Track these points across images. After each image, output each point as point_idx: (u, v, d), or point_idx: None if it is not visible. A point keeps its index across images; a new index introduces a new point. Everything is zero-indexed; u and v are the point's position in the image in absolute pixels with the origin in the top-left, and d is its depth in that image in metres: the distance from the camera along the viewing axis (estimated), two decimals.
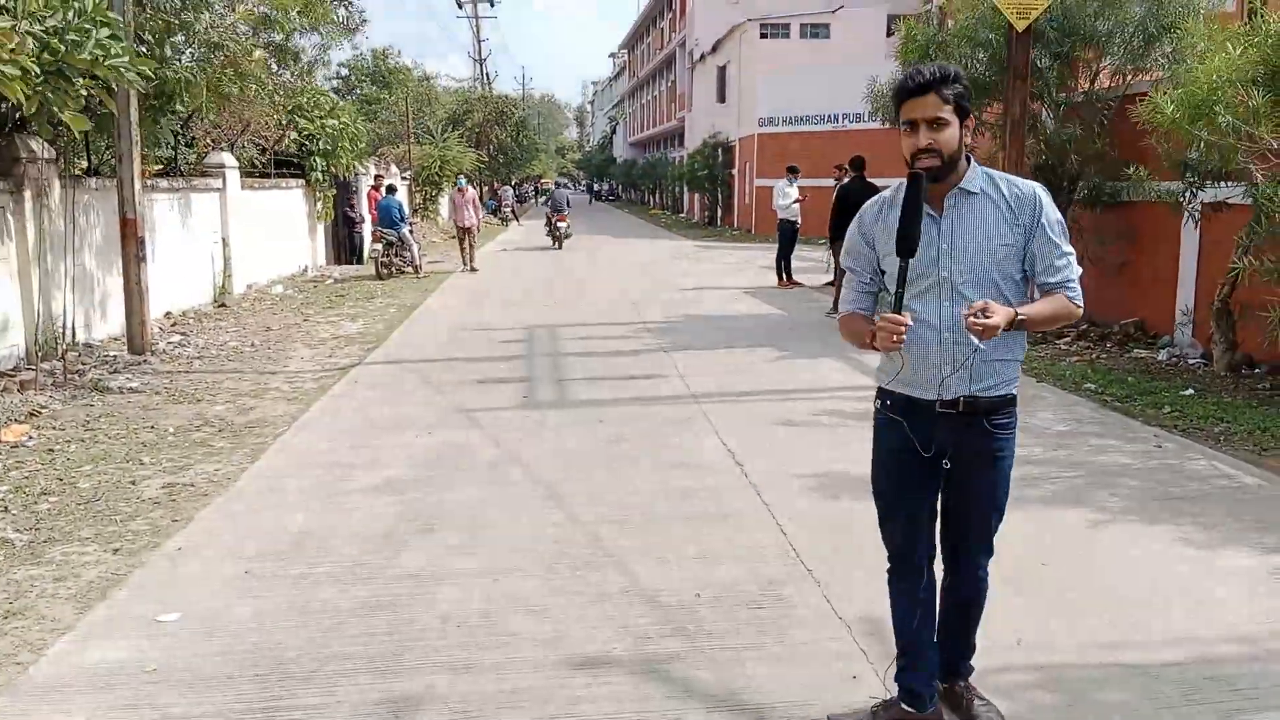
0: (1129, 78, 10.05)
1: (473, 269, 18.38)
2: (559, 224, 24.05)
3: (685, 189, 42.11)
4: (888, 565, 3.01)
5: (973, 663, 3.11)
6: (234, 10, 12.37)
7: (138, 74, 8.04)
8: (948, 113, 2.64)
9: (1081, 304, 2.80)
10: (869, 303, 2.92)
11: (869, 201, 2.94)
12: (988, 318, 2.52)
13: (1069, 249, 2.77)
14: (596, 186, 77.30)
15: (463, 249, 18.87)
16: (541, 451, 6.19)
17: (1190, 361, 8.83)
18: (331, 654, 3.54)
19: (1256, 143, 6.89)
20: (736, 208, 34.22)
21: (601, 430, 6.71)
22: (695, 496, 5.29)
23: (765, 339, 10.44)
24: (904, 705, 2.95)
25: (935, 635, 2.99)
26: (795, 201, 15.86)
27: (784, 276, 15.81)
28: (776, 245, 16.16)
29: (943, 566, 2.99)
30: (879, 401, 2.94)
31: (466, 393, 7.93)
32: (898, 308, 2.64)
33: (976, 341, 2.64)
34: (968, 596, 3.00)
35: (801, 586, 4.09)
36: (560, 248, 23.85)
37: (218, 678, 3.38)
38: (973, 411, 2.75)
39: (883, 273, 2.85)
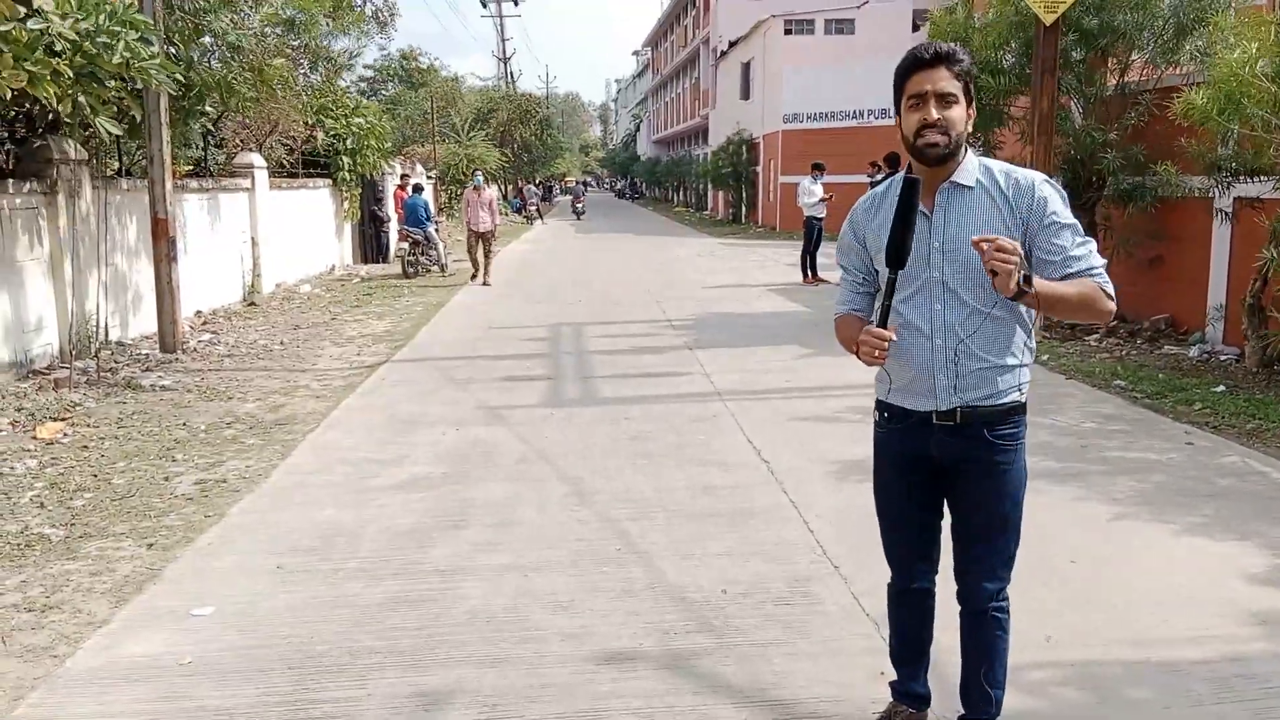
0: (1160, 72, 9.94)
1: (485, 282, 15.84)
2: (578, 205, 41.42)
3: (709, 186, 42.08)
4: (889, 581, 2.89)
5: (1005, 689, 2.80)
6: (258, 11, 12.49)
7: (168, 76, 8.15)
8: (958, 90, 2.44)
9: (1113, 296, 2.53)
10: (865, 303, 2.73)
11: (862, 197, 2.77)
12: (1005, 250, 2.28)
13: (1084, 240, 2.51)
14: (619, 185, 77.39)
15: (474, 257, 16.21)
16: (567, 448, 6.21)
17: (1222, 358, 8.73)
18: (362, 648, 3.58)
19: None
20: (761, 205, 34.14)
21: (627, 427, 6.73)
22: (721, 493, 5.30)
23: (790, 336, 10.41)
24: (909, 708, 2.93)
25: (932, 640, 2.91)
26: (821, 200, 15.80)
27: (809, 274, 15.76)
28: (802, 243, 16.12)
29: (956, 595, 2.78)
30: (877, 414, 2.76)
31: (493, 390, 7.97)
32: (883, 321, 2.45)
33: (970, 344, 2.50)
34: (981, 633, 2.72)
35: (829, 583, 4.09)
36: (580, 219, 38.73)
37: (251, 671, 3.43)
38: (971, 422, 2.56)
39: (875, 272, 2.68)
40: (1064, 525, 4.70)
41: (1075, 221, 2.55)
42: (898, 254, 2.43)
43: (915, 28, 29.49)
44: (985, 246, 2.32)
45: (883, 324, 2.45)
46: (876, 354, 2.42)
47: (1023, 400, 2.63)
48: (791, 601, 3.93)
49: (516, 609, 3.89)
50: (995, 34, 10.36)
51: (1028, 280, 2.35)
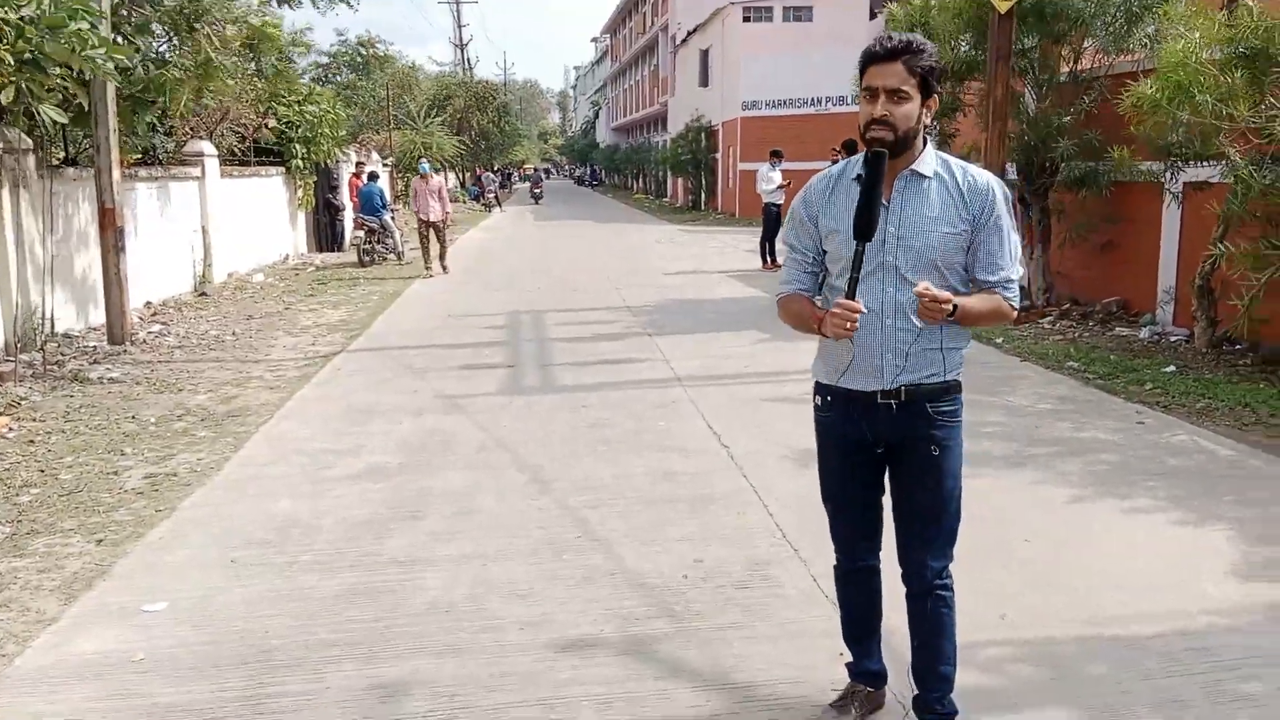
0: (1112, 59, 10.06)
1: (444, 267, 15.68)
2: (536, 190, 44.49)
3: (669, 173, 42.03)
4: (835, 563, 2.94)
5: (956, 665, 2.83)
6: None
7: (115, 65, 7.94)
8: (911, 86, 2.49)
9: (1017, 306, 2.68)
10: (811, 283, 2.76)
11: (816, 176, 2.78)
12: (937, 301, 2.46)
13: (1015, 250, 2.65)
14: (579, 172, 77.16)
15: (425, 247, 15.75)
16: (527, 436, 6.18)
17: (1172, 339, 8.89)
18: (318, 641, 3.53)
19: (1235, 122, 6.93)
20: (720, 192, 34.19)
21: (587, 414, 6.70)
22: (681, 479, 5.29)
23: (749, 322, 10.44)
24: (866, 687, 2.98)
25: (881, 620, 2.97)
26: (780, 187, 15.85)
27: (769, 260, 15.82)
28: (761, 229, 16.16)
29: (901, 577, 2.81)
30: (818, 398, 2.79)
31: (451, 379, 7.90)
32: (851, 294, 2.49)
33: (916, 322, 2.56)
34: (929, 612, 2.76)
35: (788, 566, 4.11)
36: (538, 204, 41.70)
37: (204, 666, 3.36)
38: (914, 399, 2.62)
39: (824, 253, 2.71)
40: (1019, 506, 4.76)
41: (1012, 232, 2.65)
42: (866, 226, 2.48)
43: (872, 15, 29.59)
44: (925, 300, 2.47)
45: (850, 296, 2.49)
46: (848, 325, 2.46)
47: (959, 379, 2.70)
48: (751, 585, 3.94)
49: (475, 598, 3.86)
50: (950, 21, 10.41)
51: (954, 320, 2.55)
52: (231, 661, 3.39)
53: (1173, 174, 8.59)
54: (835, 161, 13.87)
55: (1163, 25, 9.35)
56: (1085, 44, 10.26)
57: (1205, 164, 7.98)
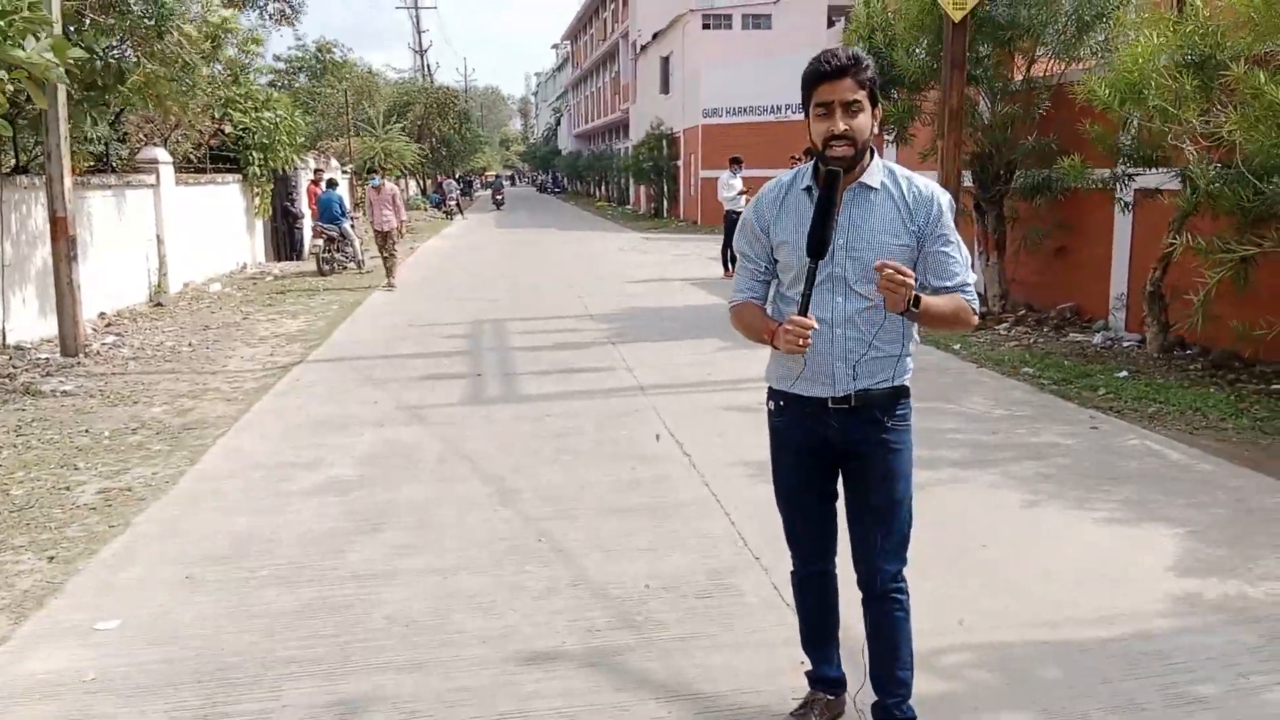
0: (1063, 66, 10.24)
1: (389, 284, 14.87)
2: (498, 196, 46.19)
3: (631, 181, 42.08)
4: (791, 569, 2.97)
5: (914, 670, 2.85)
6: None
7: (65, 68, 7.80)
8: (862, 98, 2.52)
9: (977, 311, 2.71)
10: (763, 291, 2.79)
11: (767, 185, 2.81)
12: (900, 275, 2.42)
13: (964, 257, 2.68)
14: (541, 179, 77.08)
15: (384, 256, 15.19)
16: (489, 447, 6.15)
17: (1124, 344, 9.05)
18: (276, 658, 3.48)
19: (1184, 125, 7.08)
20: (683, 199, 34.29)
21: (549, 424, 6.69)
22: (644, 488, 5.30)
23: (711, 330, 10.47)
24: (826, 694, 3.00)
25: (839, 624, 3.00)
26: (740, 194, 15.93)
27: (730, 267, 15.88)
28: (722, 236, 16.23)
29: (856, 582, 2.83)
30: (772, 403, 2.82)
31: (412, 389, 7.85)
32: (804, 309, 2.50)
33: (866, 331, 2.60)
34: (884, 616, 2.79)
35: (750, 574, 4.13)
36: (499, 210, 43.15)
37: (159, 685, 3.30)
38: (865, 405, 2.66)
39: (775, 262, 2.74)
40: (977, 510, 4.82)
41: (959, 238, 2.69)
42: (819, 244, 2.49)
43: (830, 23, 29.92)
44: (887, 272, 2.42)
45: (803, 312, 2.51)
46: (800, 341, 2.48)
47: (909, 385, 2.74)
48: (713, 594, 3.95)
49: (436, 612, 3.83)
50: (907, 30, 10.54)
51: (916, 301, 2.51)
52: (187, 680, 3.34)
53: (1124, 181, 8.76)
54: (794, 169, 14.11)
55: (1114, 33, 9.56)
56: (1038, 52, 10.43)
57: (1155, 170, 8.15)
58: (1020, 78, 10.54)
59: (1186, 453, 5.76)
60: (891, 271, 2.42)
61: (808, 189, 2.66)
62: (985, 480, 5.30)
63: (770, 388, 2.82)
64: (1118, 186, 8.86)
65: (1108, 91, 7.56)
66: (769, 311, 2.79)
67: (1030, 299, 11.04)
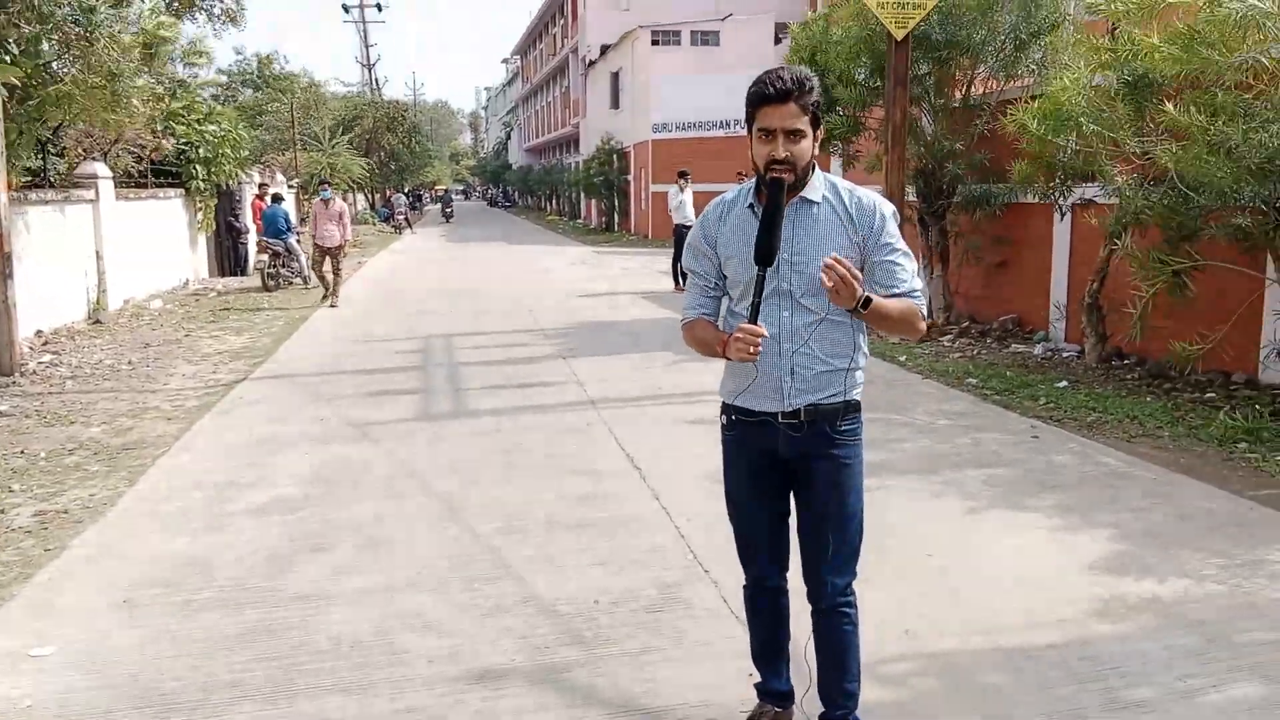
0: (1002, 84, 10.48)
1: (333, 304, 14.48)
2: (447, 210, 47.70)
3: (582, 195, 42.11)
4: (744, 583, 2.97)
5: (860, 681, 2.87)
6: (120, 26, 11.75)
7: (3, 83, 7.63)
8: (804, 123, 2.56)
9: (926, 318, 2.74)
10: (713, 307, 2.82)
11: (713, 201, 2.85)
12: (846, 273, 2.44)
13: (912, 265, 2.71)
14: (492, 193, 76.85)
15: (322, 276, 14.82)
16: (437, 464, 6.10)
17: (1064, 355, 9.25)
18: (218, 683, 3.41)
19: (1119, 147, 7.26)
20: (633, 213, 34.38)
21: (499, 439, 6.65)
22: (594, 503, 5.29)
23: (662, 343, 10.51)
24: (774, 707, 3.01)
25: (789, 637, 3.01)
26: (680, 203, 16.00)
27: (680, 281, 15.95)
28: (673, 250, 16.30)
29: (806, 594, 2.85)
30: (724, 417, 2.84)
31: (359, 406, 7.76)
32: (754, 317, 2.53)
33: (813, 347, 2.63)
34: (833, 629, 2.80)
35: (699, 588, 4.14)
36: (449, 223, 44.32)
37: (95, 713, 3.22)
38: (815, 420, 2.68)
39: (724, 277, 2.77)
40: (921, 520, 4.88)
41: (905, 246, 2.72)
42: (767, 250, 2.52)
43: (777, 40, 30.27)
44: (836, 270, 2.44)
45: (753, 321, 2.53)
46: (751, 350, 2.50)
47: (859, 399, 2.76)
48: (663, 608, 3.95)
49: (383, 632, 3.78)
50: (849, 48, 10.71)
51: (867, 302, 2.53)
52: (125, 707, 3.26)
53: (1061, 196, 8.97)
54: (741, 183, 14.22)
55: (1050, 52, 9.80)
56: (978, 70, 10.66)
57: (1090, 185, 8.35)
58: (960, 95, 10.76)
59: (1124, 460, 5.90)
60: (844, 270, 2.44)
61: (751, 205, 2.69)
62: (930, 490, 5.38)
63: (723, 402, 2.84)
64: (1055, 201, 9.07)
65: (1037, 123, 7.73)
66: (720, 328, 2.81)
67: (974, 311, 11.25)
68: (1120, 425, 6.72)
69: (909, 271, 2.69)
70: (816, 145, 2.64)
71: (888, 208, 2.71)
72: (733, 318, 2.76)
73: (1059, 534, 4.72)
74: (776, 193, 2.54)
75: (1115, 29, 8.09)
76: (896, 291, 2.66)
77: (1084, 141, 7.59)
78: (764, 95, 2.55)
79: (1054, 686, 3.30)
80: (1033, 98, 8.64)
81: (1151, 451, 6.11)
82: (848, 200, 2.67)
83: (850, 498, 2.76)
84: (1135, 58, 7.09)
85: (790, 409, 2.68)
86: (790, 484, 2.81)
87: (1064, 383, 8.00)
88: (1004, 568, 4.32)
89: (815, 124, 2.61)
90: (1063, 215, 9.25)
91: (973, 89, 10.79)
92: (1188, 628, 3.70)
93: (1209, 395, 7.38)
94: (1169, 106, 6.41)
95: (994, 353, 9.67)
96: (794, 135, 2.55)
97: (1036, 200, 9.47)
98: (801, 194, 2.65)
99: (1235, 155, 6.08)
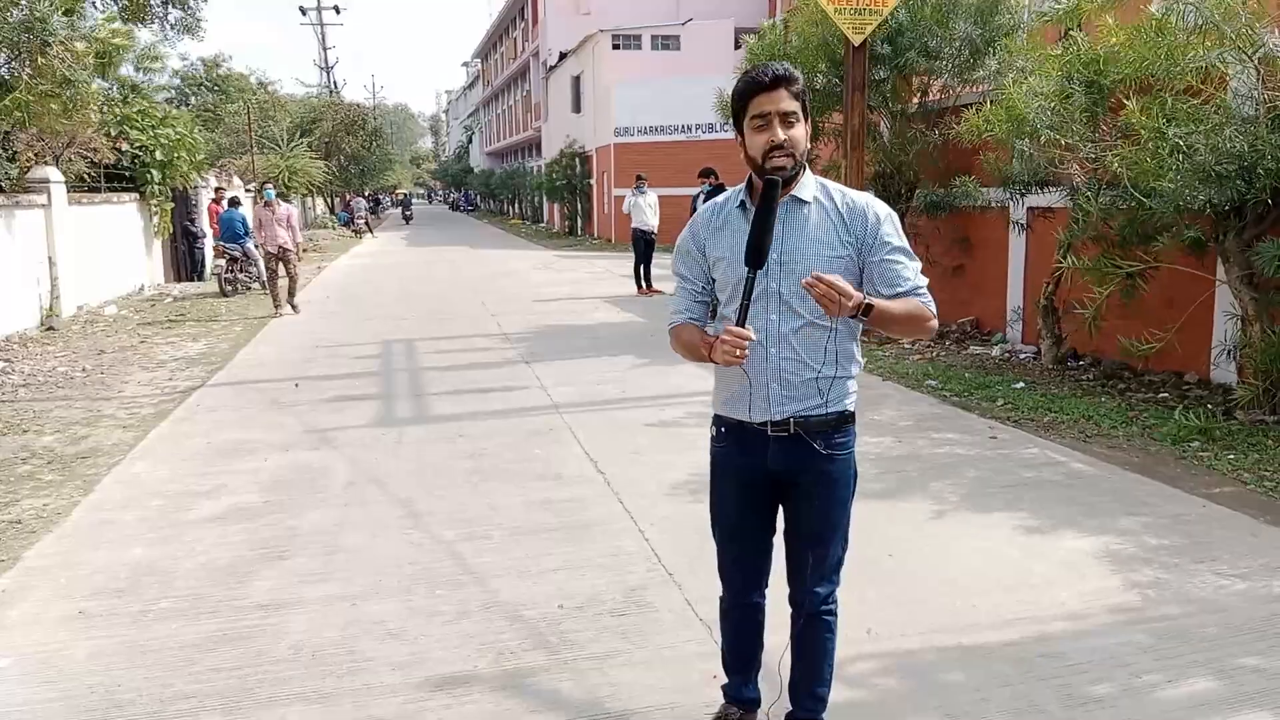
0: (958, 90, 10.62)
1: (293, 306, 14.09)
2: (406, 212, 49.54)
3: (544, 199, 42.01)
4: (720, 597, 2.94)
5: (831, 686, 2.91)
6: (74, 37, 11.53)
7: None
8: (798, 109, 2.51)
9: (935, 313, 2.61)
10: (701, 312, 2.75)
11: (703, 207, 2.78)
12: (832, 288, 2.34)
13: (913, 262, 2.62)
14: (454, 197, 76.49)
15: (275, 283, 14.02)
16: (399, 470, 6.05)
17: (1021, 356, 9.39)
18: (175, 693, 3.36)
19: (1072, 152, 7.39)
20: (596, 217, 34.37)
21: (461, 445, 6.62)
22: (557, 507, 5.28)
23: (626, 347, 10.52)
24: (740, 711, 3.01)
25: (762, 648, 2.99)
26: (636, 206, 16.03)
27: (642, 285, 15.97)
28: (634, 254, 16.31)
29: (788, 598, 2.85)
30: (714, 429, 2.79)
31: (319, 412, 7.68)
32: (742, 320, 2.46)
33: (800, 352, 2.58)
34: (812, 636, 2.81)
35: (663, 591, 4.14)
36: (408, 224, 46.43)
37: None
38: (805, 432, 2.63)
39: (712, 281, 2.72)
40: (883, 521, 4.93)
41: (905, 244, 2.64)
42: (757, 252, 2.46)
43: (738, 45, 30.39)
44: (817, 287, 2.36)
45: (741, 324, 2.46)
46: (738, 353, 2.42)
47: (852, 410, 2.71)
48: (627, 612, 3.95)
49: (345, 640, 3.74)
50: (808, 55, 10.80)
51: (868, 309, 2.44)
52: (80, 719, 3.20)
53: (1017, 199, 9.10)
54: (703, 187, 14.23)
55: (1004, 58, 9.95)
56: (935, 77, 10.78)
57: (1047, 190, 8.49)
58: (917, 101, 10.88)
59: (1081, 460, 6.00)
60: (823, 287, 2.35)
61: (742, 204, 2.64)
62: (891, 491, 5.43)
63: (715, 414, 2.79)
64: (1012, 206, 9.20)
65: (988, 124, 7.83)
66: (709, 332, 2.71)
67: None
68: (1076, 425, 6.83)
69: (912, 270, 2.60)
70: (809, 137, 2.59)
71: (883, 208, 2.64)
72: (721, 321, 2.67)
73: (1018, 534, 4.78)
74: (771, 190, 2.46)
75: (1068, 32, 8.24)
76: (900, 291, 2.57)
77: (1038, 146, 7.71)
78: (756, 83, 2.52)
79: (1013, 683, 3.35)
80: (990, 103, 8.76)
81: (1107, 451, 6.21)
82: (839, 200, 2.62)
83: (837, 511, 2.74)
84: (1088, 64, 7.22)
85: (779, 419, 2.62)
86: (778, 499, 2.77)
87: (1021, 384, 8.12)
88: (963, 567, 4.37)
89: (806, 114, 2.56)
90: (1019, 225, 9.37)
91: (929, 95, 10.92)
92: (1145, 625, 3.77)
93: (1162, 395, 7.52)
94: (1129, 103, 6.53)
95: (953, 355, 9.79)
96: (789, 119, 2.50)
97: (994, 205, 9.61)
98: (792, 192, 2.58)
99: (1187, 159, 6.21)
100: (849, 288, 2.38)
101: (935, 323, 2.64)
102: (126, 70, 14.52)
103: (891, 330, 2.64)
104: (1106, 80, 7.09)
